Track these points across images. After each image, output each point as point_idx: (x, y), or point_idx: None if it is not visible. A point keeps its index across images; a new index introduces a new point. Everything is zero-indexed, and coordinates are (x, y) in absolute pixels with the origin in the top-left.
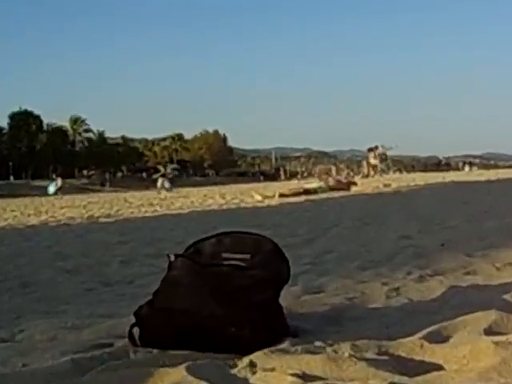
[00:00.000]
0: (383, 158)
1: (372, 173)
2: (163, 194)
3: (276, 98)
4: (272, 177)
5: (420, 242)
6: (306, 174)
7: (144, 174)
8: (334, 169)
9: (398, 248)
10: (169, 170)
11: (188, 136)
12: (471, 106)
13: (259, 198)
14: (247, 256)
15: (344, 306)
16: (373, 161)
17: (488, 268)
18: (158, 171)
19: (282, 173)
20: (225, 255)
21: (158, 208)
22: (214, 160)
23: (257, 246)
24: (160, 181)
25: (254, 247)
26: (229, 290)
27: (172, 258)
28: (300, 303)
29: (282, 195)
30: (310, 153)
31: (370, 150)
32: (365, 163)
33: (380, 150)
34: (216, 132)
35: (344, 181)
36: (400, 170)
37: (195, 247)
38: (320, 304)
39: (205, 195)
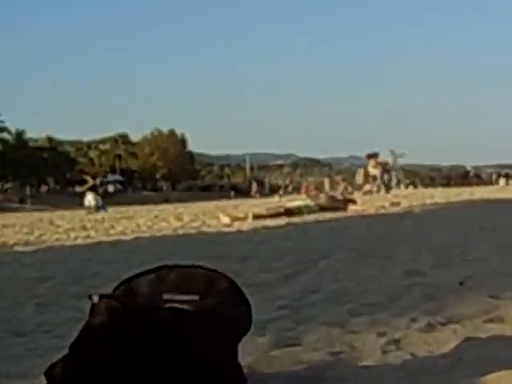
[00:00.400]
0: (386, 168)
1: (368, 187)
2: (101, 213)
3: (253, 89)
4: (246, 192)
5: (432, 280)
6: (290, 189)
7: (77, 188)
8: (327, 182)
9: (403, 287)
10: (98, 182)
11: (135, 137)
12: (507, 102)
13: (227, 220)
14: (195, 297)
15: (326, 364)
16: (372, 170)
17: None
18: (84, 182)
19: (253, 186)
20: (166, 296)
21: (92, 233)
22: (169, 169)
23: (208, 285)
24: (88, 197)
25: (205, 286)
26: (169, 344)
27: (95, 299)
28: (268, 360)
29: (256, 217)
30: (296, 160)
31: (370, 156)
32: (361, 173)
33: (389, 159)
34: (172, 132)
35: (339, 198)
36: (414, 184)
37: (128, 285)
38: (295, 361)
39: (156, 216)
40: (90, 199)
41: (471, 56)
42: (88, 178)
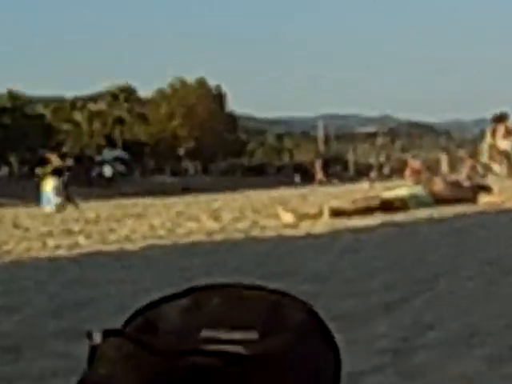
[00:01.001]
0: None
1: (496, 167)
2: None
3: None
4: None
5: None
6: (387, 171)
7: (38, 171)
8: (445, 159)
9: None
10: (70, 162)
11: (145, 92)
12: None
13: (290, 218)
14: (253, 335)
15: None
16: (503, 143)
17: None
18: (45, 163)
19: (317, 166)
20: (207, 333)
21: (81, 240)
22: (197, 141)
23: (273, 315)
24: (51, 184)
25: (269, 317)
26: None
27: (97, 337)
28: None
29: (336, 213)
30: (395, 126)
31: (498, 119)
32: (485, 146)
33: None
34: (202, 83)
35: (465, 184)
36: None
37: (144, 317)
38: None
39: (179, 213)
40: (55, 188)
41: None
42: (51, 155)
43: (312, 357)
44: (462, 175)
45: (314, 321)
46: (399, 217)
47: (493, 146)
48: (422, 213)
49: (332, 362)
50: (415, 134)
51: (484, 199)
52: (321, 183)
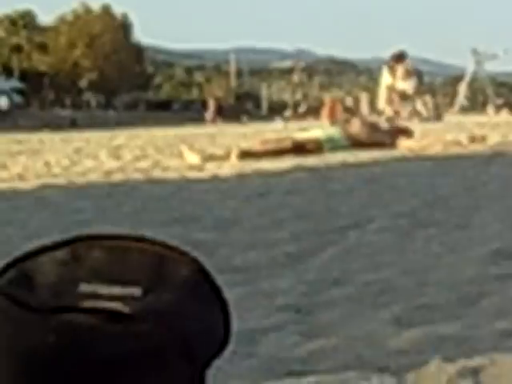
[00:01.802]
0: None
1: (389, 111)
2: None
3: None
4: (231, 113)
5: None
6: (303, 110)
7: None
8: (365, 99)
9: (490, 278)
10: None
11: (46, 18)
12: None
13: (196, 159)
14: (135, 291)
15: None
16: (401, 83)
17: None
18: None
19: (209, 106)
20: (85, 288)
21: None
22: (101, 72)
23: (159, 270)
24: None
25: (153, 272)
26: (90, 369)
27: None
28: None
29: (245, 154)
30: (312, 62)
31: (397, 59)
32: (383, 88)
33: (470, 63)
34: (107, 10)
35: (385, 126)
36: (511, 106)
37: (21, 268)
38: None
39: (77, 150)
40: None
41: None
42: None
43: (198, 315)
44: (383, 117)
45: (203, 276)
46: (312, 160)
47: (391, 88)
48: (337, 157)
49: (221, 320)
50: (335, 71)
51: (404, 143)
52: (213, 122)
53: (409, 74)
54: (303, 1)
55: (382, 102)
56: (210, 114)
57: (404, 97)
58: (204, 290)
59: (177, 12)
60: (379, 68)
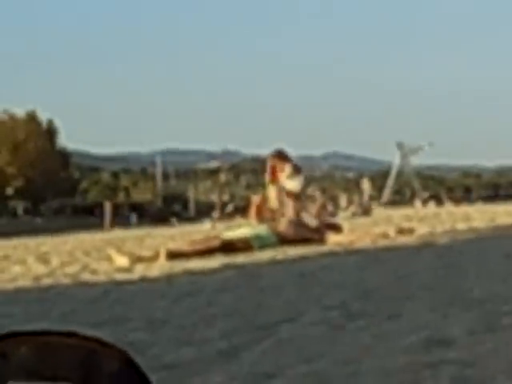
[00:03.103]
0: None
1: (278, 209)
2: None
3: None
4: (158, 216)
5: (470, 355)
6: (230, 209)
7: None
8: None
9: (421, 366)
10: None
11: None
12: None
13: (124, 261)
14: None
15: None
16: (289, 183)
17: None
18: None
19: (105, 210)
20: None
21: None
22: (28, 179)
23: (88, 365)
24: None
25: (83, 367)
26: None
27: None
28: None
29: (173, 255)
30: (239, 161)
31: (279, 157)
32: (270, 189)
33: (396, 157)
34: (32, 116)
35: (313, 223)
36: (437, 199)
37: None
38: None
39: (4, 257)
40: None
41: None
42: None
43: None
44: (310, 214)
45: (133, 371)
46: (241, 258)
47: (279, 188)
48: (266, 254)
49: None
50: (261, 169)
51: (333, 239)
52: (112, 227)
53: (295, 172)
54: (227, 100)
55: (274, 203)
56: (107, 218)
57: (291, 196)
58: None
59: (101, 116)
60: (305, 165)
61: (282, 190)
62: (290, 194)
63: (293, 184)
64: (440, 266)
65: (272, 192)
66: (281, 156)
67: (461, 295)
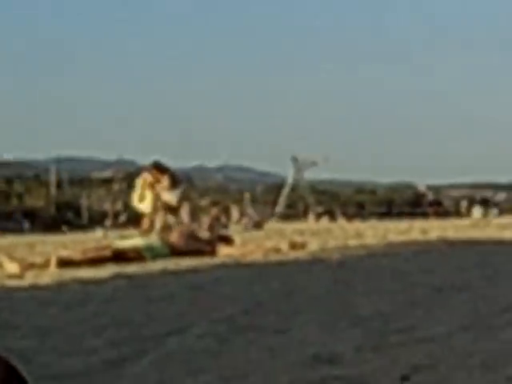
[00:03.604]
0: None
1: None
2: None
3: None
4: (52, 223)
5: (356, 372)
6: (124, 219)
7: None
8: (186, 208)
9: (307, 382)
10: None
11: None
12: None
13: (14, 268)
14: None
15: None
16: (166, 195)
17: None
18: None
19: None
20: None
21: None
22: None
23: None
24: None
25: None
26: None
27: None
28: None
29: (64, 263)
30: (134, 171)
31: (157, 168)
32: (147, 199)
33: (290, 172)
34: None
35: (205, 235)
36: (331, 214)
37: None
38: None
39: None
40: None
41: None
42: None
43: None
44: (203, 226)
45: (13, 377)
46: (132, 268)
47: (155, 199)
48: (157, 265)
49: None
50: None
51: (224, 251)
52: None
53: (173, 185)
54: (124, 109)
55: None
56: None
57: (168, 208)
58: None
59: None
60: (199, 176)
61: (158, 201)
62: (166, 206)
63: (169, 196)
64: (330, 282)
65: (148, 202)
66: (158, 167)
67: (349, 312)
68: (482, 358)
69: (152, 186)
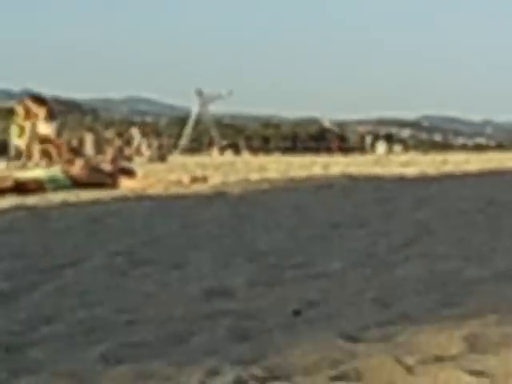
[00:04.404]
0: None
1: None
2: None
3: None
4: None
5: (248, 306)
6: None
7: None
8: (90, 139)
9: (199, 316)
10: None
11: None
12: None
13: None
14: None
15: None
16: (43, 127)
17: (389, 366)
18: None
19: None
20: None
21: None
22: None
23: None
24: None
25: None
26: None
27: None
28: None
29: None
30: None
31: (38, 101)
32: (24, 130)
33: (195, 104)
34: None
35: (107, 167)
36: (235, 147)
37: None
38: None
39: None
40: None
41: None
42: None
43: None
44: (106, 158)
45: None
46: (33, 200)
47: (32, 131)
48: (58, 196)
49: None
50: (60, 110)
51: (126, 184)
52: None
53: (50, 117)
54: (27, 39)
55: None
56: None
57: (45, 141)
58: None
59: None
60: (104, 108)
61: (34, 133)
62: (43, 138)
63: (46, 129)
64: (229, 216)
65: (25, 133)
66: (36, 99)
67: (246, 246)
68: (375, 294)
69: (29, 117)
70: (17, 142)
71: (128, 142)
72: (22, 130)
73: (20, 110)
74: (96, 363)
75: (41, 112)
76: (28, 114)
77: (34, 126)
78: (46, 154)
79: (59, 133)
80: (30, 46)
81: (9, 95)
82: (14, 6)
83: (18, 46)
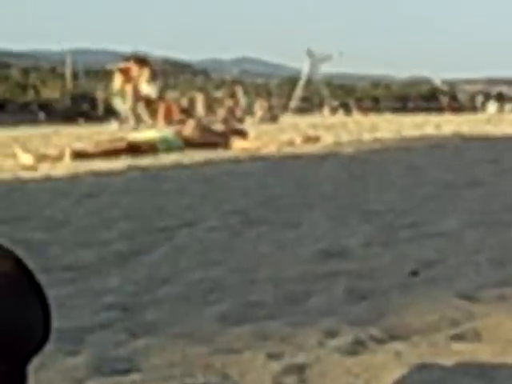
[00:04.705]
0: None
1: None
2: None
3: None
4: (67, 114)
5: (365, 267)
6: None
7: None
8: (200, 100)
9: (316, 277)
10: None
11: None
12: None
13: (29, 159)
14: None
15: None
16: (146, 88)
17: (507, 326)
18: None
19: None
20: None
21: None
22: None
23: None
24: None
25: None
26: None
27: None
28: None
29: (78, 155)
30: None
31: (137, 60)
32: (127, 91)
33: (305, 65)
34: None
35: (219, 128)
36: (346, 108)
37: None
38: None
39: None
40: None
41: None
42: None
43: (16, 311)
44: (218, 119)
45: (21, 272)
46: (146, 161)
47: (134, 91)
48: (171, 157)
49: (40, 317)
50: (171, 72)
51: (238, 144)
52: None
53: (153, 78)
54: (136, 2)
55: (121, 105)
56: None
57: (148, 101)
58: (22, 287)
59: (12, 11)
60: (215, 69)
61: (137, 94)
62: (144, 98)
63: (149, 89)
64: (342, 177)
65: (128, 94)
66: (138, 60)
67: (360, 207)
68: (491, 253)
69: (129, 79)
70: (121, 106)
71: (237, 103)
72: (122, 94)
73: (117, 75)
74: (213, 324)
75: (143, 73)
76: (127, 76)
77: (135, 89)
78: (152, 114)
79: (161, 93)
80: (140, 8)
81: (119, 57)
82: None
83: (122, 8)
